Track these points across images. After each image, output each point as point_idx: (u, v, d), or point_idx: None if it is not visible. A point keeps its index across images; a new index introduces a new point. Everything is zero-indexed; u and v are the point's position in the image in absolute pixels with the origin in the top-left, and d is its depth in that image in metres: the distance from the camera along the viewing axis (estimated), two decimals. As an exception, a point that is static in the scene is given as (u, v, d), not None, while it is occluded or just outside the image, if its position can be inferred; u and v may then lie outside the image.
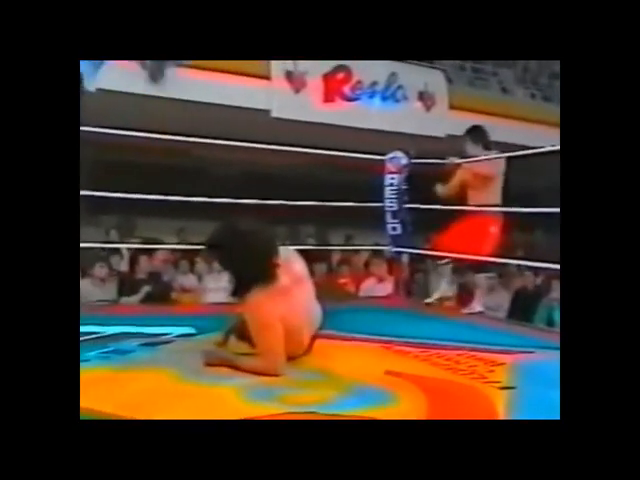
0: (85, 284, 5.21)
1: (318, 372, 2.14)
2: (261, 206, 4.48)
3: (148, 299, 5.14)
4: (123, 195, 3.99)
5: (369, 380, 2.04)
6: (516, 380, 2.11)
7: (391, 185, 4.19)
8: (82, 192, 3.87)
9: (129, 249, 5.93)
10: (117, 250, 6.01)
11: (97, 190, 3.98)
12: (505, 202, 3.88)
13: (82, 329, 2.77)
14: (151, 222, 7.83)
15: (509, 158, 3.78)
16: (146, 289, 5.26)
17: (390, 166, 4.21)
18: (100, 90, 5.91)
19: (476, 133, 3.90)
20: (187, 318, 3.18)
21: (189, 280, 5.80)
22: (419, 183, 4.27)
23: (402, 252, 4.38)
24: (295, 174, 7.39)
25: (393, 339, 2.72)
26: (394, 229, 4.20)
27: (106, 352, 2.35)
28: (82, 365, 2.07)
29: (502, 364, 2.34)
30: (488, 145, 3.87)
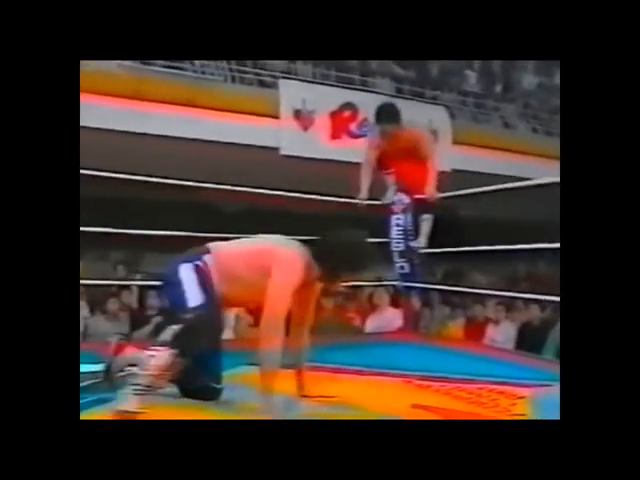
0: (99, 320, 5.29)
1: (348, 407, 2.18)
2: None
3: (159, 331, 5.20)
4: (130, 231, 4.07)
5: (398, 413, 2.06)
6: (539, 413, 2.13)
7: (397, 225, 4.30)
8: (89, 229, 3.96)
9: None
10: (127, 285, 6.08)
11: (104, 226, 4.08)
12: (509, 235, 3.96)
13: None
14: (158, 257, 7.88)
15: (511, 191, 3.89)
16: (156, 320, 5.32)
17: (395, 207, 4.33)
18: (105, 130, 6.05)
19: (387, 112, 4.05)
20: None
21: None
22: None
23: (412, 288, 4.44)
24: (301, 210, 7.50)
25: (411, 373, 2.78)
26: (402, 268, 4.30)
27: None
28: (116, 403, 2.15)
29: (523, 397, 2.38)
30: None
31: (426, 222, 4.20)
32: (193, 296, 2.14)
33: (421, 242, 4.21)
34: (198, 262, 2.21)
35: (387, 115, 4.07)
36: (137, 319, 5.54)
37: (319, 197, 4.06)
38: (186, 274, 2.19)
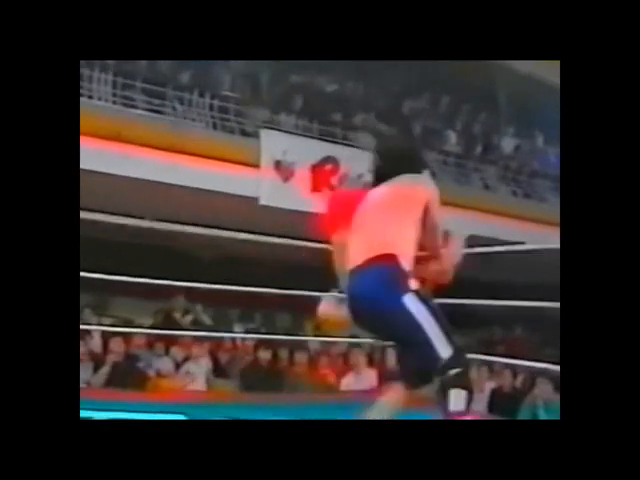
0: None
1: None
2: (241, 293, 4.42)
3: (116, 373, 5.00)
4: (101, 276, 3.94)
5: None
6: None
7: None
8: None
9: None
10: (88, 330, 5.89)
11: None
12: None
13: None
14: (127, 301, 7.71)
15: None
16: (112, 358, 5.16)
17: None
18: (83, 170, 5.92)
19: None
20: (174, 405, 3.09)
21: (164, 364, 5.64)
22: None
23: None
24: (277, 259, 7.40)
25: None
26: None
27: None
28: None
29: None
30: None
31: None
32: (441, 344, 1.83)
33: None
34: (414, 288, 1.95)
35: None
36: (99, 365, 5.31)
37: (294, 242, 3.97)
38: (417, 308, 1.90)
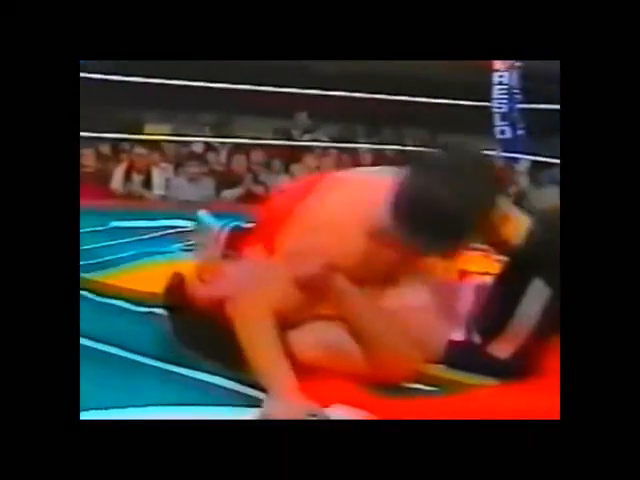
0: (179, 181, 5.36)
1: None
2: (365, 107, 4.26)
3: (248, 196, 5.23)
4: (223, 85, 4.01)
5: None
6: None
7: (500, 84, 3.90)
8: (182, 82, 3.81)
9: (223, 144, 5.94)
10: (213, 147, 6.05)
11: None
12: None
13: (170, 223, 2.88)
14: (248, 120, 7.81)
15: None
16: (248, 183, 5.38)
17: (499, 63, 3.89)
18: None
19: None
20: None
21: (282, 181, 5.77)
22: (533, 81, 3.96)
23: (512, 158, 4.12)
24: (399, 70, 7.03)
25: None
26: (502, 132, 3.91)
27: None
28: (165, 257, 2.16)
29: None
30: None
31: None
32: None
33: None
34: None
35: None
36: (223, 182, 5.52)
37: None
38: None
